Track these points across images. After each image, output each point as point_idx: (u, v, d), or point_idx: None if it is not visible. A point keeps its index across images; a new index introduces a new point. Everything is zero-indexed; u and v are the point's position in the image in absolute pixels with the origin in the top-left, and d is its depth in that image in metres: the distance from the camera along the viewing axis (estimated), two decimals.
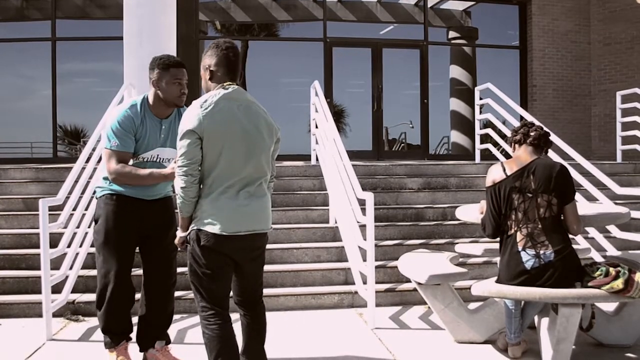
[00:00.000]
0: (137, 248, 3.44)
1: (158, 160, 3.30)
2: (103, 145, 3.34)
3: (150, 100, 3.26)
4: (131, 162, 3.22)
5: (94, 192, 3.38)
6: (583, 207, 3.66)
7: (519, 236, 3.37)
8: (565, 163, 3.57)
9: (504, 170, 3.46)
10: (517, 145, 3.61)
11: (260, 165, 2.70)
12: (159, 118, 3.27)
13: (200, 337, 4.04)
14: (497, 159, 7.74)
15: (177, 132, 3.25)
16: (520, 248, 3.35)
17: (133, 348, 3.48)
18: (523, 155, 3.51)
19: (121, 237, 3.28)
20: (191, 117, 2.60)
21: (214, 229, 2.60)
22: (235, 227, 2.62)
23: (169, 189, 3.50)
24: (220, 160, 2.61)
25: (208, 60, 2.73)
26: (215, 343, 2.64)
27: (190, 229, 2.69)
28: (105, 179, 3.30)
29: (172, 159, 3.33)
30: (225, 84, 2.69)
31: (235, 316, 2.79)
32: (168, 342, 3.55)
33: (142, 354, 3.48)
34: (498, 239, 3.56)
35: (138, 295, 3.50)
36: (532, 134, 3.55)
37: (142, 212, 3.31)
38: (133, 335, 3.49)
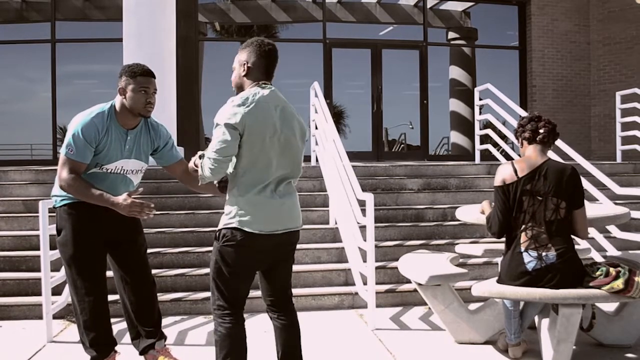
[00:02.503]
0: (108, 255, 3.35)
1: (122, 172, 3.20)
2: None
3: (117, 108, 3.14)
4: (94, 170, 3.11)
5: (55, 201, 3.24)
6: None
7: (522, 237, 3.35)
8: (571, 165, 3.50)
9: (515, 171, 3.38)
10: (525, 142, 3.53)
11: (295, 165, 2.73)
12: (124, 128, 3.14)
13: (201, 339, 4.07)
14: (497, 160, 7.75)
15: (143, 143, 3.22)
16: (522, 249, 3.34)
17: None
18: (533, 155, 3.44)
19: (93, 247, 3.16)
20: (233, 112, 2.55)
21: (252, 227, 2.58)
22: (273, 225, 2.62)
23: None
24: (258, 158, 2.59)
25: (246, 56, 2.70)
26: (227, 342, 2.63)
27: (222, 226, 2.65)
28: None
29: (137, 170, 3.27)
30: (261, 82, 2.68)
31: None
32: (165, 338, 3.51)
33: (142, 357, 3.45)
34: (502, 239, 3.53)
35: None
36: (541, 131, 3.47)
37: (108, 217, 3.16)
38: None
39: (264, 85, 2.68)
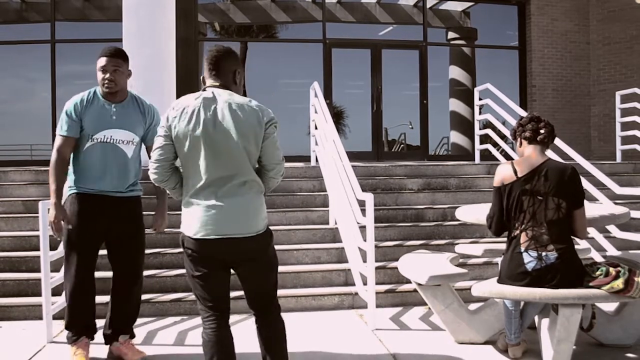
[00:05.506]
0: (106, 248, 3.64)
1: (111, 141, 3.45)
2: None
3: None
4: (88, 144, 3.43)
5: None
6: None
7: (523, 237, 3.35)
8: (571, 165, 3.51)
9: (515, 171, 3.39)
10: (525, 142, 3.52)
11: (232, 165, 2.57)
12: (110, 102, 3.47)
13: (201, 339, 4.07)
14: (497, 160, 7.75)
15: (132, 117, 3.51)
16: (522, 249, 3.34)
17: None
18: (533, 155, 3.44)
19: (82, 238, 3.45)
20: (164, 117, 2.65)
21: (189, 232, 2.60)
22: (205, 231, 2.56)
23: (136, 187, 3.62)
24: (188, 162, 2.60)
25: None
26: (208, 347, 2.65)
27: None
28: (70, 178, 3.53)
29: (128, 141, 3.51)
30: (206, 86, 2.69)
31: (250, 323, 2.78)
32: (132, 336, 3.72)
33: (107, 347, 3.67)
34: (502, 238, 3.54)
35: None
36: (542, 131, 3.47)
37: (108, 211, 3.46)
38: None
39: (205, 89, 2.67)
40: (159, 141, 2.64)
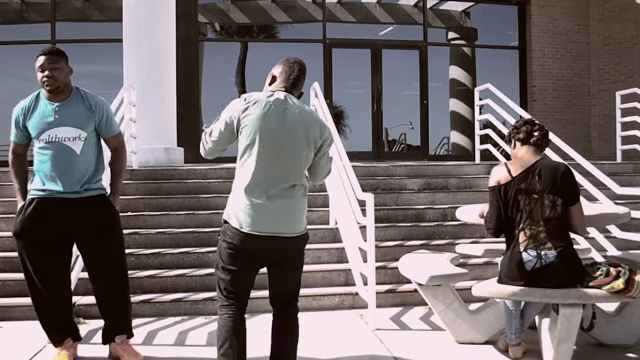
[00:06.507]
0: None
1: (57, 139, 3.41)
2: None
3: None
4: (37, 146, 3.43)
5: None
6: (584, 207, 3.66)
7: (521, 236, 3.36)
8: (564, 163, 3.55)
9: (509, 171, 3.43)
10: (518, 143, 3.58)
11: (289, 169, 2.69)
12: (53, 102, 3.46)
13: (202, 339, 4.08)
14: (497, 160, 7.74)
15: (75, 113, 3.46)
16: (522, 248, 3.35)
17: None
18: (526, 155, 3.49)
19: (31, 244, 3.46)
20: (233, 106, 2.71)
21: (236, 224, 2.65)
22: (255, 226, 2.63)
23: (95, 185, 3.53)
24: (248, 157, 2.66)
25: (274, 69, 2.84)
26: (223, 332, 2.69)
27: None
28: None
29: (75, 137, 3.46)
30: (279, 88, 2.77)
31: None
32: (130, 336, 3.69)
33: (107, 347, 3.69)
34: (502, 238, 3.54)
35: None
36: (535, 134, 3.52)
37: (64, 214, 3.40)
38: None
39: (276, 92, 2.75)
40: (221, 126, 2.70)
